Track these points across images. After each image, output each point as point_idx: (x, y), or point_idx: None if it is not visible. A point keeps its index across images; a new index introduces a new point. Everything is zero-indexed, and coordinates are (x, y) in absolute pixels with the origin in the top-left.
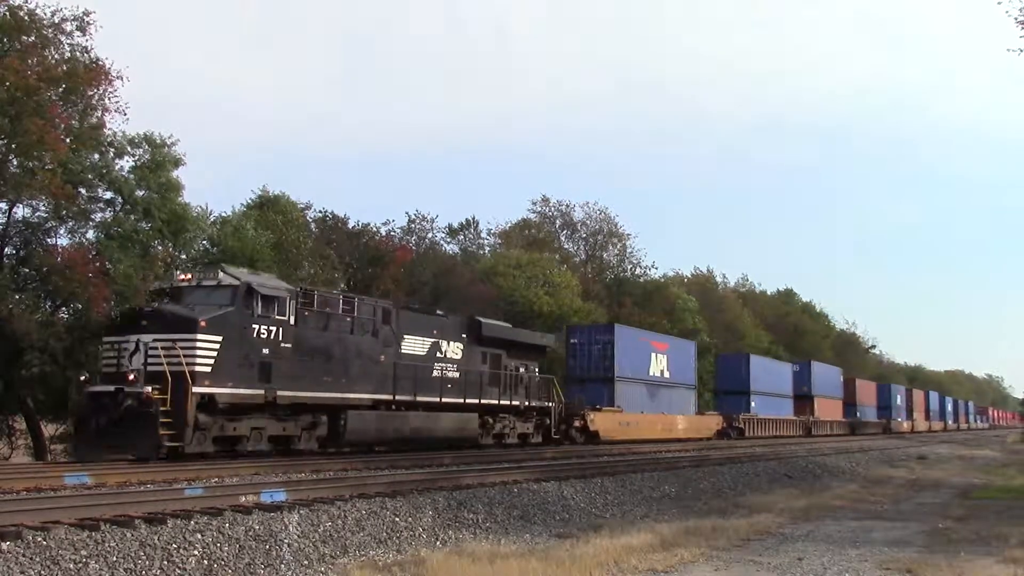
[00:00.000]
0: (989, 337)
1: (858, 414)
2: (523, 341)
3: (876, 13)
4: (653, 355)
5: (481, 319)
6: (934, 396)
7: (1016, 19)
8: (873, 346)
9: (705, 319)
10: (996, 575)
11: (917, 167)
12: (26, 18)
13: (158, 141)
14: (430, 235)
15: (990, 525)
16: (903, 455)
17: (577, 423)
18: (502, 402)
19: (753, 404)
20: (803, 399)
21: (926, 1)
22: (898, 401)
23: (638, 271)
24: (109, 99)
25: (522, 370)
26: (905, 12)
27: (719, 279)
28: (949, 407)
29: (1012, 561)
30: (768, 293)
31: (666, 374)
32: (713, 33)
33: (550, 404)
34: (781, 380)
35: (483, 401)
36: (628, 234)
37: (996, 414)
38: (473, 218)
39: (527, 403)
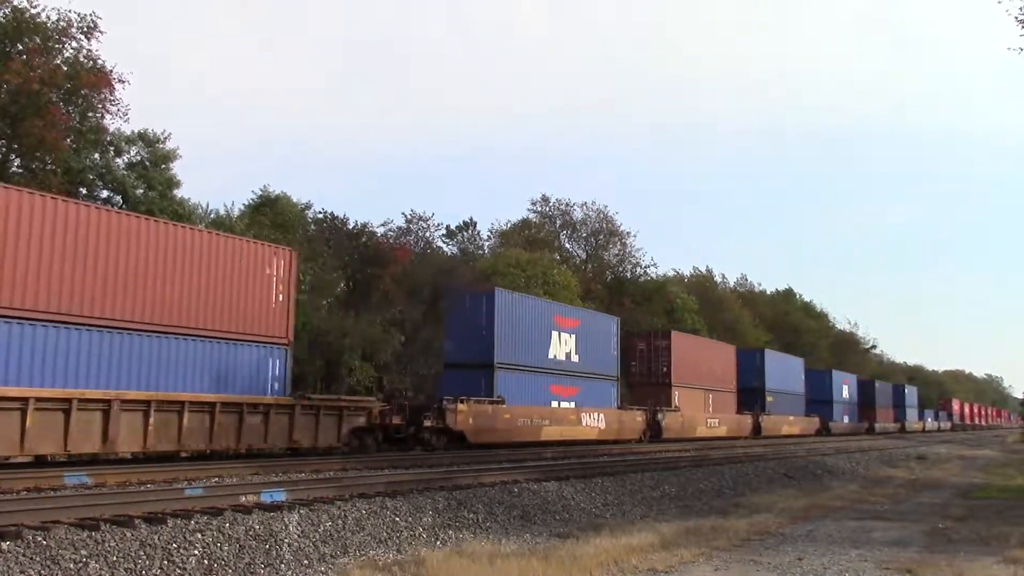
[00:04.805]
0: (989, 337)
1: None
2: None
3: (877, 16)
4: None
5: None
6: (790, 364)
7: (1016, 18)
8: (873, 346)
9: (705, 319)
10: (996, 575)
11: (918, 167)
12: (29, 21)
13: (152, 138)
14: (427, 234)
15: (990, 525)
16: (903, 455)
17: (430, 422)
18: None
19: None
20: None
21: (927, 3)
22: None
23: (638, 271)
24: (111, 103)
25: None
26: (906, 14)
27: (719, 279)
28: (843, 391)
29: (1012, 561)
30: (768, 293)
31: (574, 358)
32: (714, 35)
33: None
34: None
35: None
36: (628, 232)
37: (968, 410)
38: (471, 219)
39: None
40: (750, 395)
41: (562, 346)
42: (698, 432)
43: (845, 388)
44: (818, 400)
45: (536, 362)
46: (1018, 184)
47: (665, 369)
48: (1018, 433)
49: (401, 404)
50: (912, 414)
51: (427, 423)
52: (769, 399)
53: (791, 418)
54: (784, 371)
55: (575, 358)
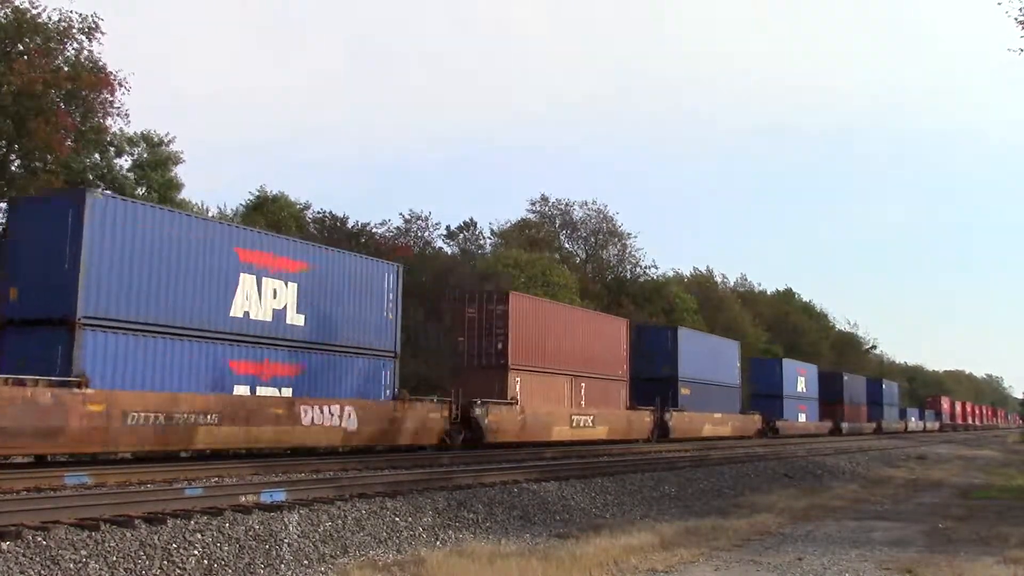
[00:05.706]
0: (989, 337)
1: None
2: None
3: (877, 14)
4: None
5: None
6: (718, 348)
7: (1016, 19)
8: (873, 346)
9: (704, 318)
10: (996, 575)
11: (918, 167)
12: (30, 21)
13: (155, 140)
14: (426, 234)
15: (990, 525)
16: (903, 455)
17: None
18: None
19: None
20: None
21: (927, 2)
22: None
23: (637, 271)
24: (112, 105)
25: None
26: (905, 13)
27: (719, 279)
28: (798, 384)
29: (1012, 561)
30: (768, 293)
31: (294, 320)
32: (713, 35)
33: None
34: None
35: None
36: (628, 233)
37: (960, 409)
38: (472, 219)
39: None
40: (657, 386)
41: (263, 299)
42: (555, 434)
43: (801, 380)
44: (763, 394)
45: (199, 322)
46: (1018, 183)
47: (500, 346)
48: (1017, 433)
49: None
50: (891, 412)
51: None
52: (684, 391)
53: (717, 416)
54: (708, 356)
55: (295, 320)
